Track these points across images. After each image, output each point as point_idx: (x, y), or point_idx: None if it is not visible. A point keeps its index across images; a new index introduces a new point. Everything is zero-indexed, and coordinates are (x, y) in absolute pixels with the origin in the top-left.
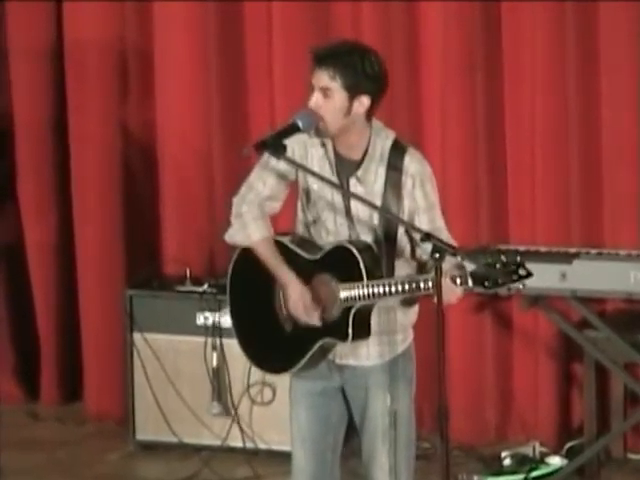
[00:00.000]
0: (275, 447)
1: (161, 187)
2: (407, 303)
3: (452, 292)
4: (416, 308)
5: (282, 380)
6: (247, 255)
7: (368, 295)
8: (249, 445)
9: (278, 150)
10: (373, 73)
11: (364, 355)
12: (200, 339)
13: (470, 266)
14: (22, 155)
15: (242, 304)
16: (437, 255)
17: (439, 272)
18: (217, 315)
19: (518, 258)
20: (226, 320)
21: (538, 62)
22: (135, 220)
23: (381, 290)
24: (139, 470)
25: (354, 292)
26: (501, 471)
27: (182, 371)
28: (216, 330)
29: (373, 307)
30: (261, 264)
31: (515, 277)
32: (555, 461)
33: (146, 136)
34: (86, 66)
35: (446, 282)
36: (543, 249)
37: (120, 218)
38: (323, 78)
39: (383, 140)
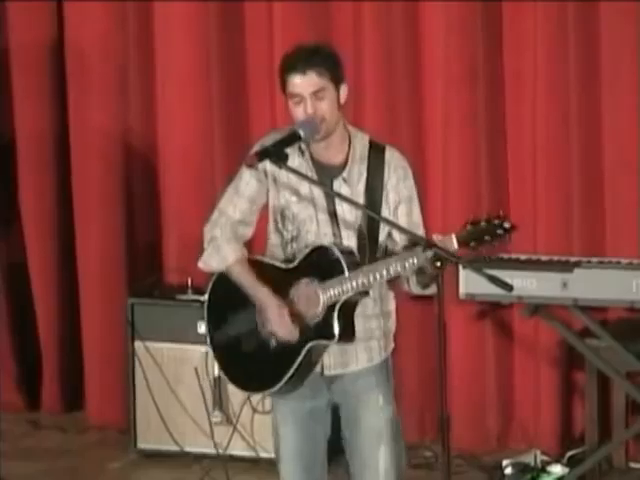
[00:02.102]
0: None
1: (162, 196)
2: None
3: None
4: (394, 316)
5: None
6: (224, 280)
7: (352, 286)
8: (250, 454)
9: (280, 158)
10: (340, 60)
11: (353, 362)
12: (201, 348)
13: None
14: (23, 167)
15: (223, 329)
16: (439, 263)
17: (441, 281)
18: None
19: (501, 212)
20: None
21: (539, 71)
22: (136, 229)
23: (364, 277)
24: (141, 479)
25: (337, 288)
26: None
27: (183, 380)
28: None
29: (357, 304)
30: (238, 287)
31: (500, 231)
32: (556, 470)
33: (147, 146)
34: (87, 71)
35: (418, 258)
36: (544, 258)
37: (122, 227)
38: (313, 80)
39: (360, 141)
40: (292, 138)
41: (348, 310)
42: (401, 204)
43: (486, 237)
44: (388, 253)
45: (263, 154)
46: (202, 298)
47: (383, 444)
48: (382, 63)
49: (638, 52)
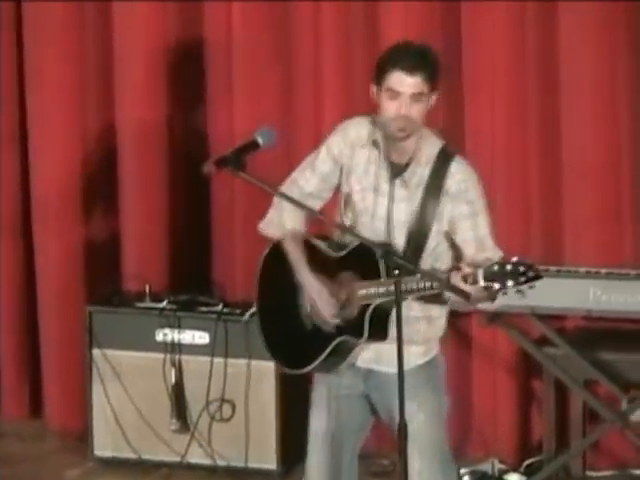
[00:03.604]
0: (234, 464)
1: (121, 203)
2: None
3: (463, 292)
4: (443, 322)
5: (241, 396)
6: (279, 250)
7: (384, 292)
8: (208, 462)
9: (238, 166)
10: (441, 68)
11: (386, 361)
12: (159, 355)
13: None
14: None
15: (269, 299)
16: (396, 272)
17: (398, 289)
18: (176, 332)
19: (529, 260)
20: (185, 337)
21: (498, 77)
22: (95, 236)
23: (397, 288)
24: None
25: (372, 289)
26: None
27: (141, 387)
28: (175, 347)
29: (392, 308)
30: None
31: (523, 279)
32: (514, 478)
33: (106, 151)
34: (46, 70)
35: (457, 280)
36: None
37: (80, 234)
38: (419, 85)
39: (430, 146)
40: (251, 145)
41: (382, 312)
42: (463, 219)
43: (509, 282)
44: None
45: (221, 162)
46: (160, 305)
47: (417, 451)
48: (342, 63)
49: (597, 55)
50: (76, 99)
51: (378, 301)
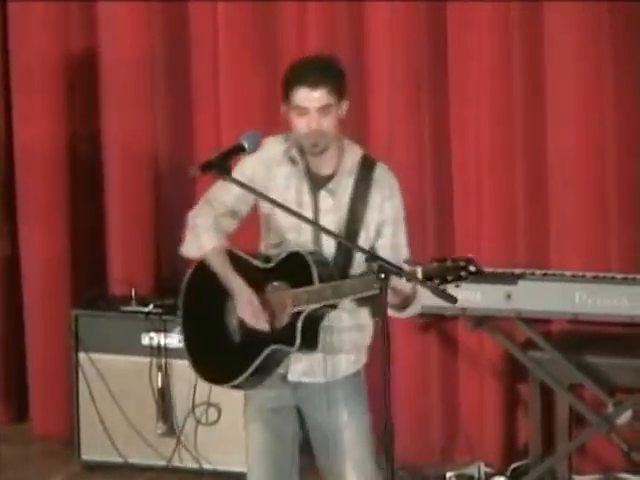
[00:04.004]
0: (220, 467)
1: (107, 207)
2: (360, 322)
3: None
4: (371, 330)
5: (227, 400)
6: (201, 269)
7: (318, 298)
8: (194, 465)
9: (223, 171)
10: (346, 76)
11: (318, 372)
12: (145, 359)
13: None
14: None
15: (194, 318)
16: (382, 275)
17: (385, 292)
18: (162, 335)
19: (469, 255)
20: (171, 340)
21: (484, 78)
22: (81, 240)
23: (330, 293)
24: None
25: (304, 297)
26: None
27: (127, 391)
28: (161, 350)
29: (323, 316)
30: (213, 277)
31: (464, 274)
32: None
33: (91, 155)
34: (31, 71)
35: (394, 278)
36: (488, 270)
37: (66, 238)
38: (323, 97)
39: (352, 155)
40: (237, 149)
41: (313, 320)
42: (386, 224)
43: (450, 276)
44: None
45: (206, 167)
46: (146, 309)
47: (349, 460)
48: None
49: (582, 56)
50: (62, 100)
51: (311, 307)
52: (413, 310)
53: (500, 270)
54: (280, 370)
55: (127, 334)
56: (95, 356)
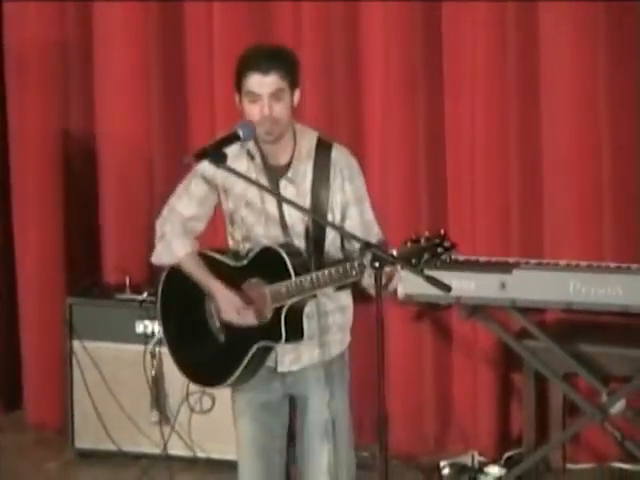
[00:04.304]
0: (214, 456)
1: (101, 195)
2: (342, 302)
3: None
4: (351, 310)
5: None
6: (175, 273)
7: (297, 291)
8: (188, 453)
9: (218, 159)
10: (299, 65)
11: (306, 358)
12: (139, 347)
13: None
14: None
15: (175, 323)
16: (377, 264)
17: (379, 281)
18: (156, 323)
19: (441, 231)
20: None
21: (478, 76)
22: (75, 228)
23: (309, 284)
24: (78, 478)
25: (283, 291)
26: None
27: (121, 379)
28: (155, 338)
29: (304, 306)
30: (189, 281)
31: (440, 250)
32: (494, 471)
33: (87, 143)
34: (26, 69)
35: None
36: (483, 259)
37: (60, 226)
38: (275, 82)
39: (308, 140)
40: (231, 138)
41: (296, 312)
42: (351, 206)
43: (426, 255)
44: (346, 251)
45: (201, 154)
46: (141, 297)
47: (327, 440)
48: (321, 64)
49: (576, 55)
50: (57, 95)
51: (291, 301)
52: (392, 287)
53: (494, 259)
54: (269, 363)
55: (121, 322)
56: (89, 344)
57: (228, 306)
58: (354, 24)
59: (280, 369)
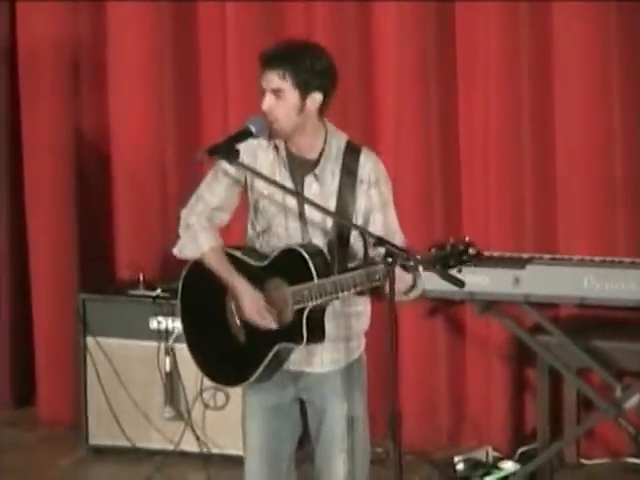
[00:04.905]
0: (228, 451)
1: (114, 191)
2: (359, 307)
3: (402, 279)
4: (368, 314)
5: None
6: (197, 269)
7: (319, 294)
8: (202, 450)
9: (231, 155)
10: (322, 69)
11: (318, 362)
12: (153, 343)
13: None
14: None
15: (194, 319)
16: (389, 259)
17: (392, 276)
18: (170, 320)
19: (467, 238)
20: (179, 324)
21: (492, 70)
22: (88, 224)
23: (331, 287)
24: (91, 475)
25: (305, 294)
26: (454, 476)
27: (135, 375)
28: (169, 335)
29: (326, 308)
30: (211, 277)
31: (465, 257)
32: (508, 466)
33: (99, 141)
34: (39, 68)
35: (398, 269)
36: (496, 254)
37: (73, 222)
38: (273, 80)
39: (338, 141)
40: (244, 133)
41: (317, 314)
42: (375, 211)
43: (451, 262)
44: (368, 257)
45: (213, 150)
46: (154, 293)
47: (345, 452)
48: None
49: (589, 48)
50: (70, 95)
51: (313, 303)
52: (414, 294)
53: (508, 254)
54: (286, 364)
55: (135, 318)
56: (103, 340)
57: (251, 305)
58: (367, 24)
59: (291, 367)
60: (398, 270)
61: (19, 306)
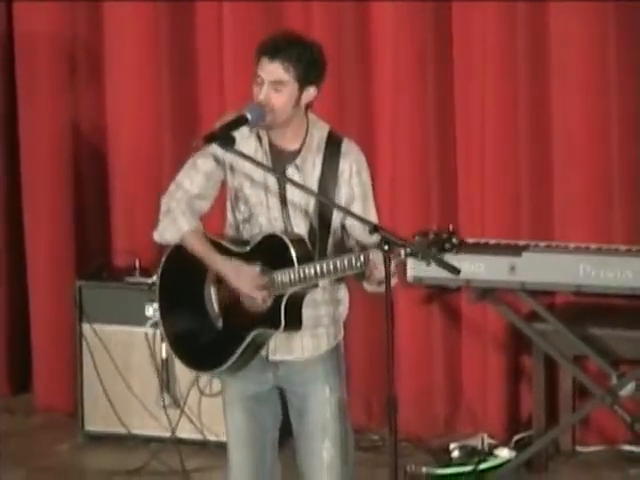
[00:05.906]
0: (224, 438)
1: (110, 178)
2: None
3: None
4: (347, 303)
5: None
6: (176, 254)
7: (300, 279)
8: (198, 436)
9: (227, 142)
10: (320, 63)
11: (298, 349)
12: (149, 330)
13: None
14: None
15: (172, 304)
16: (386, 247)
17: (388, 264)
18: None
19: (450, 227)
20: None
21: (488, 60)
22: (85, 212)
23: (312, 272)
24: (88, 461)
25: (285, 278)
26: (450, 463)
27: (131, 362)
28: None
29: (305, 295)
30: (190, 263)
31: (448, 246)
32: (504, 453)
33: (96, 130)
34: (36, 63)
35: (378, 256)
36: (492, 242)
37: (70, 209)
38: (277, 71)
39: (319, 131)
40: (240, 121)
41: (296, 300)
42: (355, 200)
43: (433, 250)
44: (346, 247)
45: (210, 138)
46: (150, 280)
47: (328, 437)
48: (332, 61)
49: (587, 38)
50: (67, 90)
51: (293, 290)
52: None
53: (504, 242)
54: (261, 352)
55: (131, 305)
56: (99, 327)
57: (250, 281)
58: (364, 23)
59: (271, 357)
60: (378, 257)
61: (16, 293)
